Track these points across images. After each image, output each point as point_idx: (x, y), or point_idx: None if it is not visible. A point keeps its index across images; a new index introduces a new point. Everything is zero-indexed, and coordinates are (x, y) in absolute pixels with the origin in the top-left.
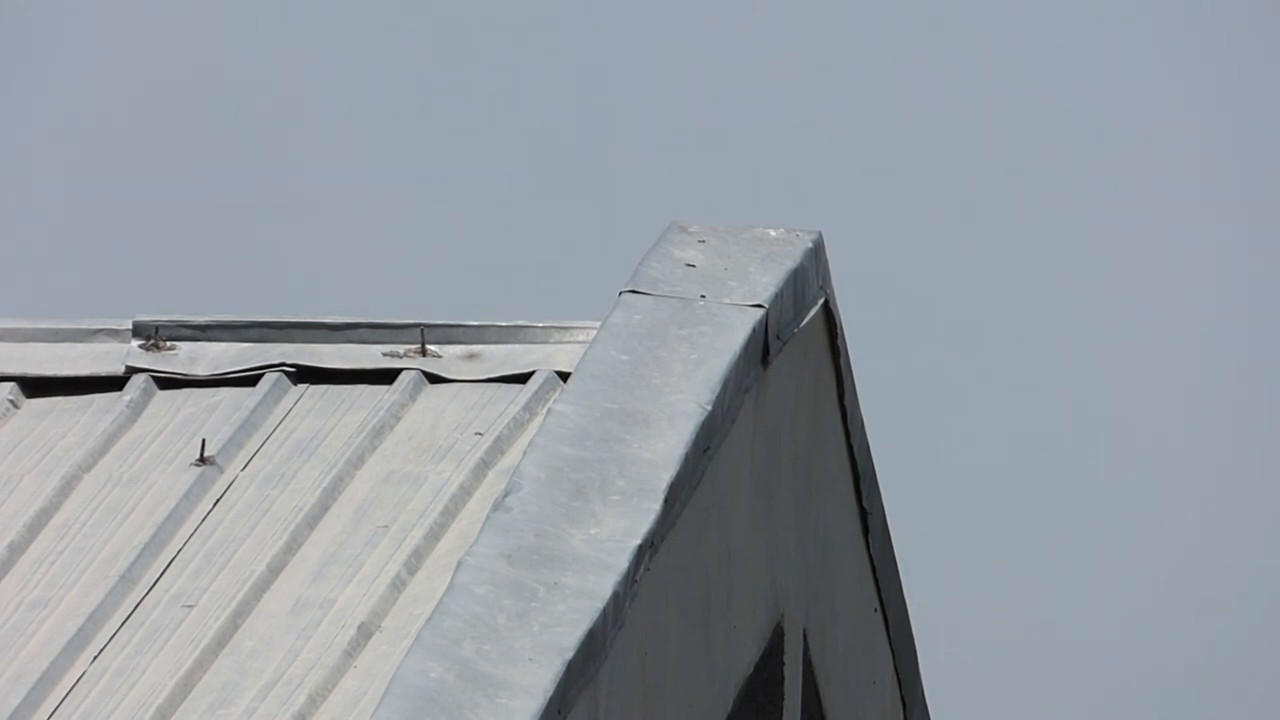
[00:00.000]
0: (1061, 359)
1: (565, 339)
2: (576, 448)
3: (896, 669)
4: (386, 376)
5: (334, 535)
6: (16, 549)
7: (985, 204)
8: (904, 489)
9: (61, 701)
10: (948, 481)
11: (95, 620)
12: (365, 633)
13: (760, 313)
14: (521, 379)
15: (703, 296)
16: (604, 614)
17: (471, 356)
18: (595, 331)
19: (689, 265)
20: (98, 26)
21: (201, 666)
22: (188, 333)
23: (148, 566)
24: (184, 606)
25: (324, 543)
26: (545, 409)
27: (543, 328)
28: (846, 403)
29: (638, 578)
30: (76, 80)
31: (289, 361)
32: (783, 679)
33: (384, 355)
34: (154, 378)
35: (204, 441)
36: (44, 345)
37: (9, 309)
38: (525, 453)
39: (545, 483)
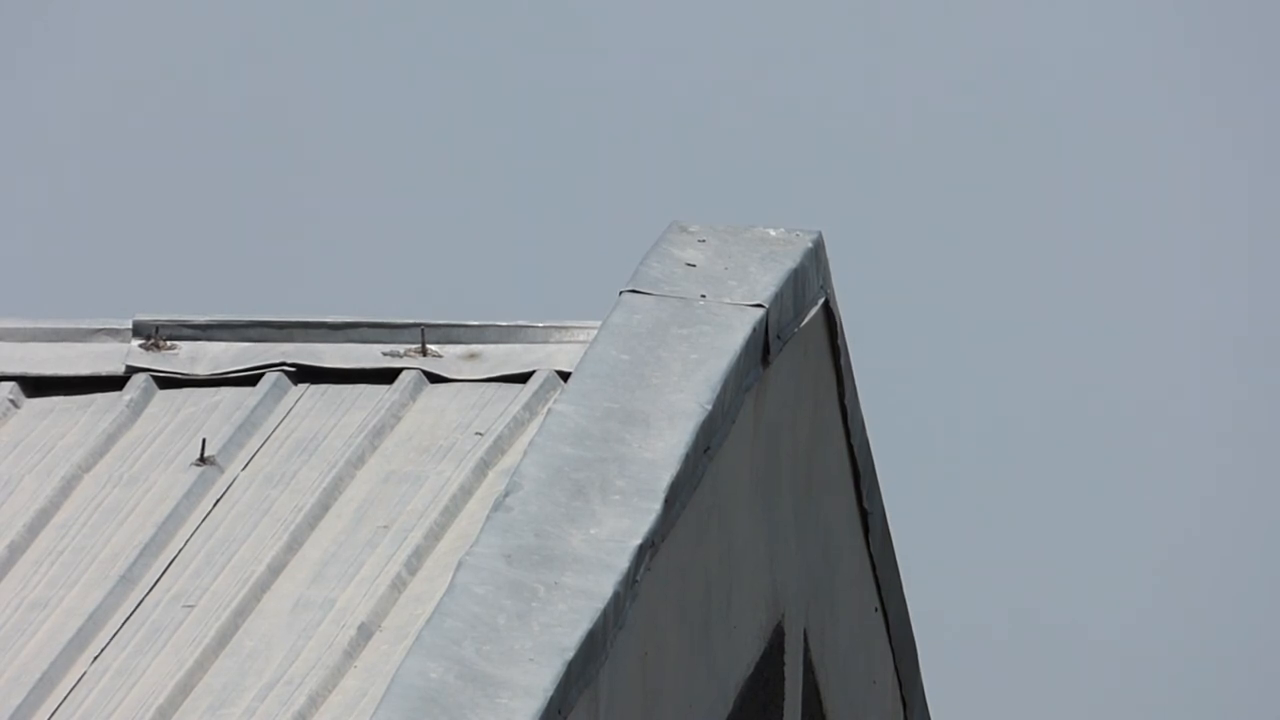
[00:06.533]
0: (1062, 358)
1: (565, 339)
2: (577, 447)
3: (897, 668)
4: (386, 376)
5: (334, 535)
6: (16, 549)
7: (985, 203)
8: (904, 489)
9: (62, 702)
10: (948, 480)
11: (95, 620)
12: (365, 633)
13: (760, 312)
14: (521, 379)
15: (703, 296)
16: (604, 614)
17: (471, 356)
18: (595, 331)
19: (689, 265)
20: (99, 25)
21: (202, 666)
22: (188, 332)
23: (148, 566)
24: (184, 606)
25: (324, 543)
26: (545, 409)
27: (543, 328)
28: (847, 402)
29: (638, 578)
30: (77, 79)
31: (289, 361)
32: (783, 679)
33: (384, 355)
34: (154, 377)
35: (204, 441)
36: (44, 345)
37: (9, 309)
38: (525, 453)
39: (545, 483)
